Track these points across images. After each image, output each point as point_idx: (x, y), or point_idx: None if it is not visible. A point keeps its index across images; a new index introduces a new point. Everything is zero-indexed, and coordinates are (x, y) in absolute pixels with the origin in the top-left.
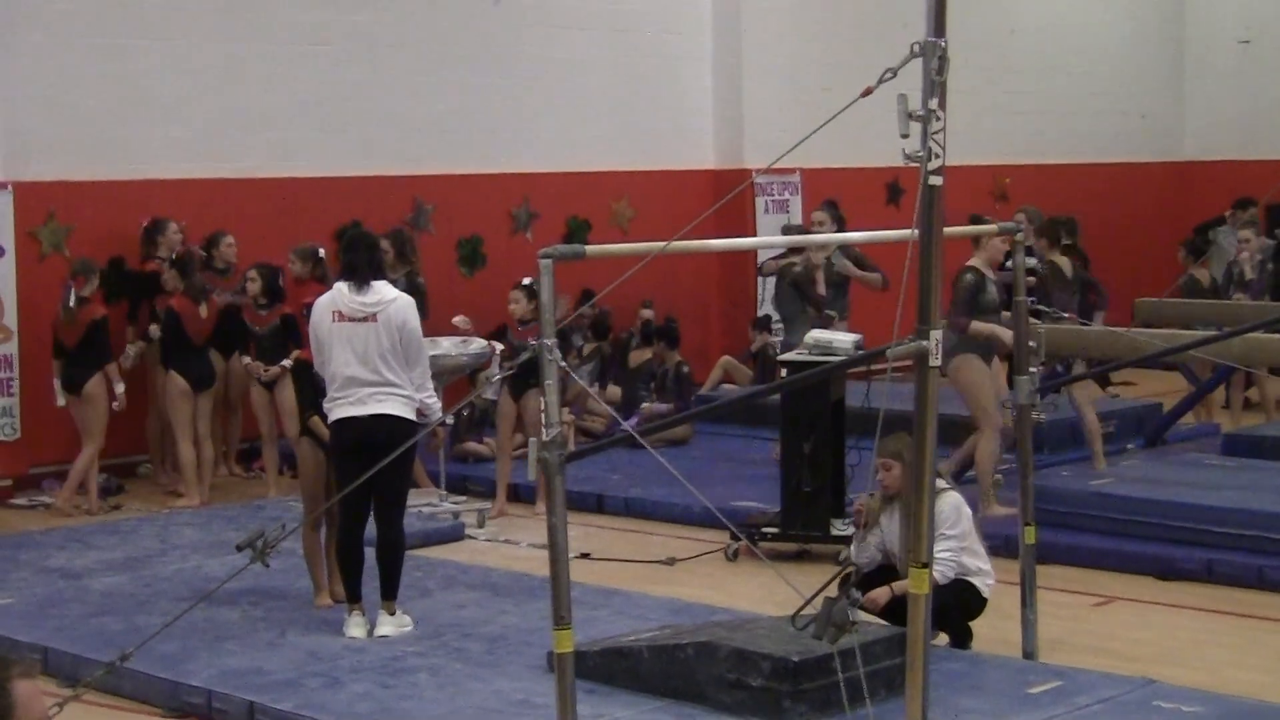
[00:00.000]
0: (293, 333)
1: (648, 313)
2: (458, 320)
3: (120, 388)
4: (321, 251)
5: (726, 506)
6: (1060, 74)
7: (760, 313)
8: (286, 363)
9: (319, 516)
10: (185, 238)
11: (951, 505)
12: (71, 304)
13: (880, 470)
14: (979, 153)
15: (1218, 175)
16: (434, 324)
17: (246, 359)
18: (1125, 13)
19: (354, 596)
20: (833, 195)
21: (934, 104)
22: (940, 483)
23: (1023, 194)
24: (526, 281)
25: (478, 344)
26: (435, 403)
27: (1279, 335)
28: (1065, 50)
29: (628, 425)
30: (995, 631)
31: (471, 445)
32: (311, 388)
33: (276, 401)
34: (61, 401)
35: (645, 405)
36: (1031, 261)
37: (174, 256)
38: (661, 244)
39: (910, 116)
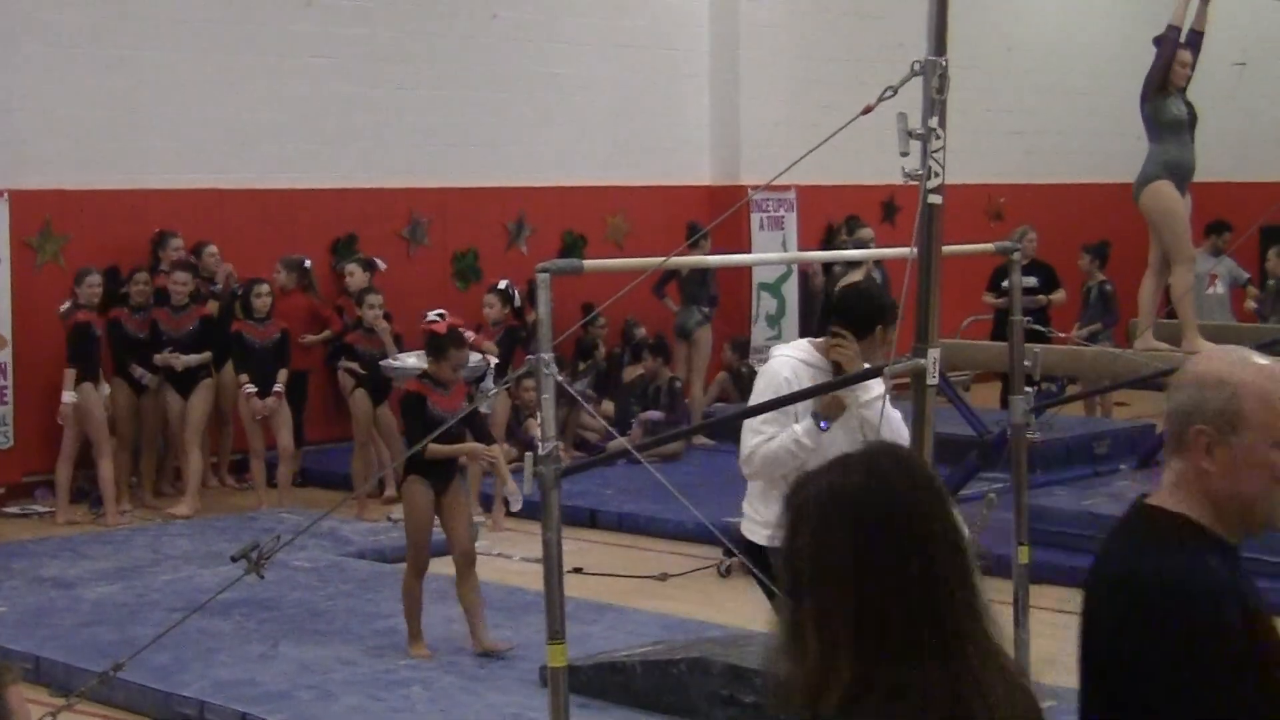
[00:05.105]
0: (287, 350)
1: (640, 330)
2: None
3: (105, 389)
4: (308, 263)
5: (719, 522)
6: (1056, 93)
7: (755, 330)
8: (279, 388)
9: (425, 564)
10: (187, 251)
11: None
12: (69, 312)
13: None
14: (974, 171)
15: (1212, 197)
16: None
17: (244, 380)
18: (1122, 33)
19: None
20: (828, 212)
21: (934, 122)
22: None
23: (1018, 213)
24: (501, 285)
25: (473, 358)
26: None
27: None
28: (1062, 70)
29: (624, 440)
30: None
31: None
32: (421, 423)
33: (272, 421)
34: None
35: (642, 415)
36: (1031, 280)
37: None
38: (659, 259)
39: (910, 135)
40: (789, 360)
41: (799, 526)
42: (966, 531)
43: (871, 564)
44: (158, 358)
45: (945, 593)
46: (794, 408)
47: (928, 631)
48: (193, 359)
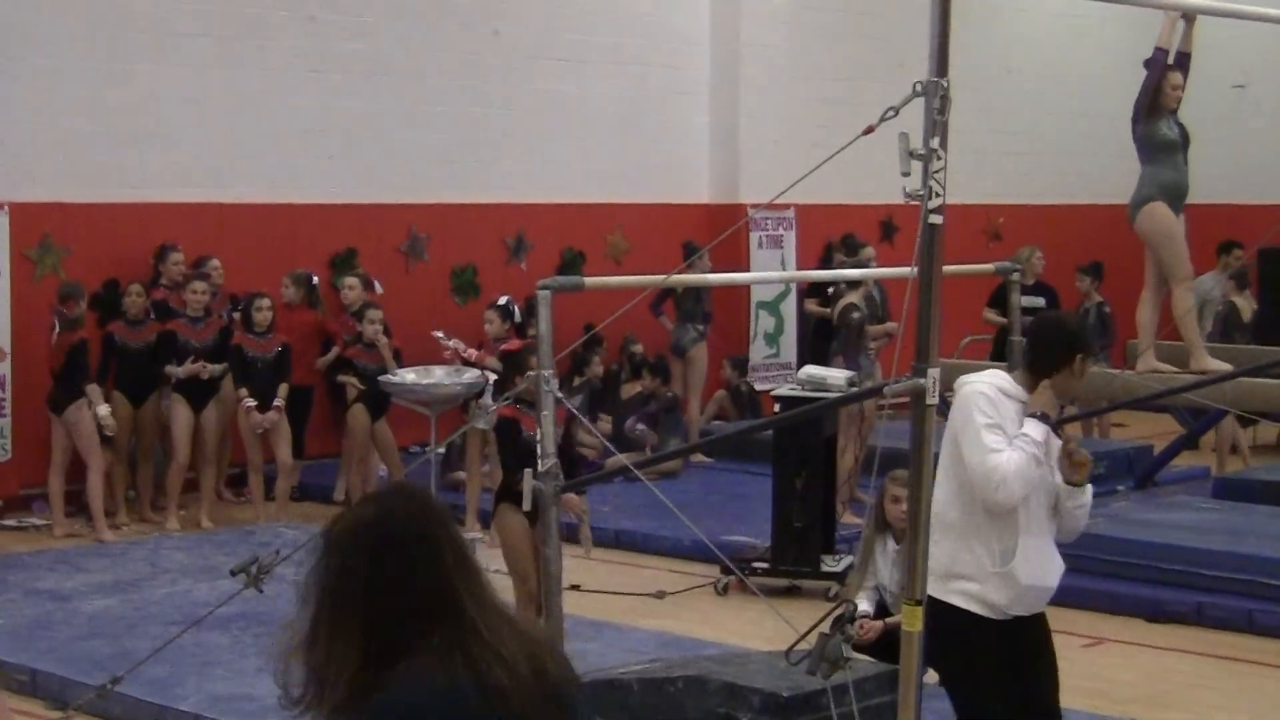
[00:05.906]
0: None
1: (637, 347)
2: (438, 334)
3: (104, 409)
4: (315, 279)
5: (716, 540)
6: (1055, 114)
7: (753, 348)
8: (279, 402)
9: (532, 592)
10: (187, 264)
11: None
12: (56, 329)
13: (890, 502)
14: (972, 192)
15: (1210, 219)
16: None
17: (244, 394)
18: (1120, 55)
19: None
20: (827, 231)
21: (935, 143)
22: None
23: (1016, 234)
24: (502, 301)
25: (471, 373)
26: None
27: (1268, 380)
28: (1060, 91)
29: (623, 457)
30: None
31: (462, 474)
32: (514, 448)
33: (270, 435)
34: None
35: (626, 426)
36: (1039, 301)
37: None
38: (659, 277)
39: (911, 155)
40: (988, 384)
41: (331, 550)
42: (470, 545)
43: (384, 578)
44: (183, 370)
45: (454, 595)
46: (1012, 428)
47: (438, 627)
48: (216, 368)
